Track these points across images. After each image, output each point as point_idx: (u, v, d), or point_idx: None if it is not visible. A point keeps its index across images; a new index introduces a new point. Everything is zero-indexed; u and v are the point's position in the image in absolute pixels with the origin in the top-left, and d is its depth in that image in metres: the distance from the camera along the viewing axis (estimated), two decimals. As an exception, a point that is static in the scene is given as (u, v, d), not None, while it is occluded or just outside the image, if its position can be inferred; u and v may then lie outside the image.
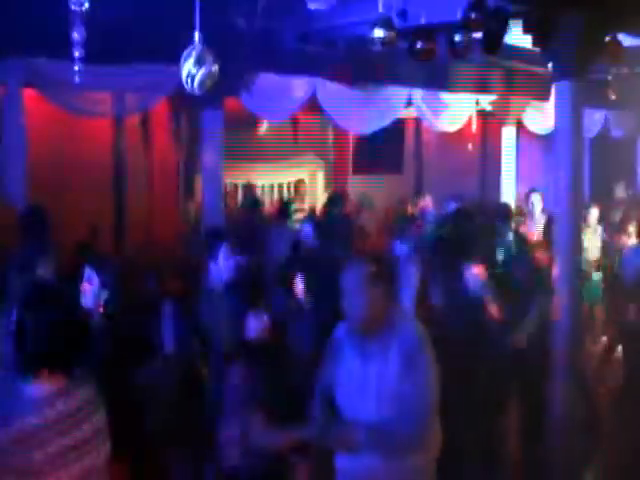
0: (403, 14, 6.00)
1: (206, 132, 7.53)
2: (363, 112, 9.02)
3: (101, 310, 4.23)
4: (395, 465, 3.34)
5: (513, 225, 7.23)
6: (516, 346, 5.70)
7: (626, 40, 6.72)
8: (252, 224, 8.74)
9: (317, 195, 12.63)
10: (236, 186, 11.34)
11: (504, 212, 7.31)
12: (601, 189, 12.48)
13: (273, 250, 7.63)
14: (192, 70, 4.27)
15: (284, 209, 9.14)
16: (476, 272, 5.50)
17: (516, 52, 8.04)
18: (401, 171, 13.12)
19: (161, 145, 9.96)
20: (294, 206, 10.30)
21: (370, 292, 3.34)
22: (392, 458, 3.34)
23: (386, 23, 5.87)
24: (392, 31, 5.89)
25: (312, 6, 5.47)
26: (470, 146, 12.27)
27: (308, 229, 7.46)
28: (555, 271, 5.59)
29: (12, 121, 6.47)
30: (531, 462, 5.55)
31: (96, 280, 4.24)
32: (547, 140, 10.73)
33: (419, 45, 6.42)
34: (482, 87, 10.18)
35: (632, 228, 8.90)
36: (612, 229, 9.54)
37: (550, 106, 7.89)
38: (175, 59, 4.36)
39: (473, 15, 5.65)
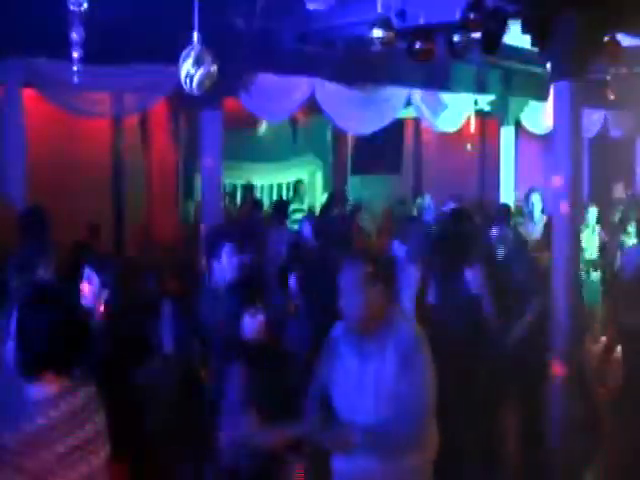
0: (402, 14, 6.00)
1: (205, 132, 7.52)
2: (362, 112, 9.02)
3: (102, 309, 4.22)
4: (392, 465, 3.34)
5: (512, 225, 7.24)
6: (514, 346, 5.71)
7: (625, 40, 6.73)
8: (251, 224, 8.75)
9: (316, 195, 12.65)
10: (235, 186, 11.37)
11: (503, 212, 7.32)
12: (600, 189, 12.50)
13: (271, 250, 7.62)
14: (191, 70, 4.27)
15: (281, 208, 9.14)
16: (475, 272, 5.50)
17: (515, 52, 8.05)
18: (400, 171, 13.13)
19: (160, 145, 9.97)
20: (293, 206, 10.33)
21: (367, 291, 3.34)
22: (389, 458, 3.34)
23: (385, 23, 5.88)
24: (391, 31, 5.89)
25: (311, 6, 5.46)
26: (469, 146, 12.28)
27: (307, 229, 7.47)
28: (554, 271, 5.59)
29: (12, 121, 6.48)
30: (531, 462, 5.54)
31: (96, 279, 4.23)
32: (546, 140, 10.73)
33: (418, 45, 6.42)
34: (481, 87, 10.20)
35: (631, 228, 8.92)
36: (611, 229, 9.56)
37: (549, 106, 7.89)
38: (174, 59, 4.36)
39: (472, 15, 5.66)
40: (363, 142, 11.92)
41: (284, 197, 11.95)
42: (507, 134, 11.55)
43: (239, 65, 7.02)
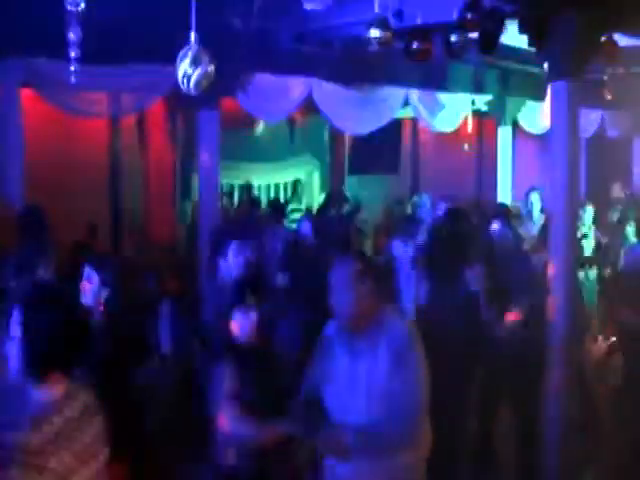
0: (399, 14, 6.00)
1: (202, 132, 7.51)
2: (360, 112, 9.02)
3: (101, 308, 4.22)
4: (385, 464, 3.34)
5: (511, 224, 7.23)
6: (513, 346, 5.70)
7: (622, 40, 6.73)
8: (250, 223, 8.75)
9: (314, 195, 12.65)
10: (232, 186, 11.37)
11: (501, 212, 7.32)
12: (597, 189, 12.51)
13: (268, 249, 7.63)
14: (188, 70, 4.27)
15: (278, 207, 9.14)
16: (475, 272, 5.51)
17: (512, 52, 8.06)
18: (398, 171, 13.13)
19: (157, 145, 9.97)
20: (291, 206, 10.33)
21: (357, 289, 3.35)
22: (381, 457, 3.34)
23: (382, 23, 5.88)
24: (388, 31, 5.89)
25: (308, 6, 5.47)
26: (466, 146, 12.28)
27: (307, 227, 7.48)
28: (551, 270, 5.59)
29: (10, 121, 6.47)
30: (530, 463, 5.54)
31: (96, 279, 4.24)
32: (543, 140, 10.76)
33: (415, 45, 6.43)
34: (478, 87, 10.20)
35: (630, 228, 8.93)
36: (610, 228, 9.57)
37: (546, 106, 7.90)
38: (171, 59, 4.35)
39: (469, 15, 5.66)
40: (360, 142, 11.92)
41: (281, 197, 11.95)
42: (504, 134, 11.56)
43: (236, 65, 7.02)
